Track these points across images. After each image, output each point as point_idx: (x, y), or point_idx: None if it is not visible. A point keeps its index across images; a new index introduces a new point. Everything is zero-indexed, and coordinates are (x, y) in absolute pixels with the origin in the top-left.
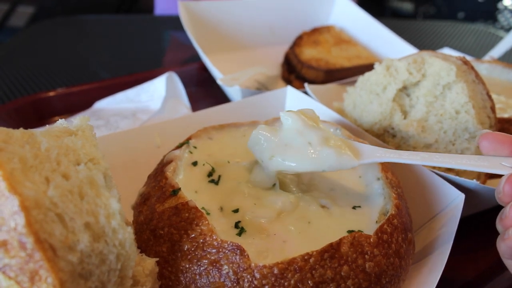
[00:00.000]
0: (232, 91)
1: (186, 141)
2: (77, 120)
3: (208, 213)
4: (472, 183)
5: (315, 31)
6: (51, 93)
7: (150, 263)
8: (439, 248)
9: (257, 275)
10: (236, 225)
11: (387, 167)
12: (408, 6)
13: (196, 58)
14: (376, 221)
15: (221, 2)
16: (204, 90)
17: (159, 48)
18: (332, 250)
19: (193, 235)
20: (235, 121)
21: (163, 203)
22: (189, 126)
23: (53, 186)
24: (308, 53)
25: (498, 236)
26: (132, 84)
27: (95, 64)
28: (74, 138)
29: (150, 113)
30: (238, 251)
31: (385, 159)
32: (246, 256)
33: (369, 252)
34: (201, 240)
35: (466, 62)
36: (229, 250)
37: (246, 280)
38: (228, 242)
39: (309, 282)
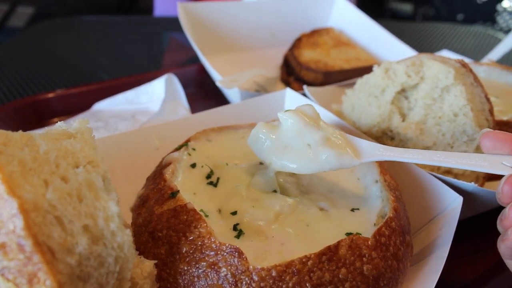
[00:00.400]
0: (231, 93)
1: (185, 143)
2: (76, 122)
3: (206, 215)
4: (470, 185)
5: (314, 33)
6: (51, 94)
7: (148, 265)
8: (437, 250)
9: (255, 278)
10: (235, 228)
11: (385, 170)
12: (407, 8)
13: (195, 59)
14: (374, 224)
15: (220, 3)
16: (203, 92)
17: (158, 49)
18: (330, 253)
19: (192, 238)
20: (234, 123)
21: (162, 205)
22: (188, 128)
23: (52, 188)
24: (307, 55)
25: (497, 238)
26: (131, 85)
27: (94, 65)
28: (73, 141)
29: (149, 115)
30: (236, 253)
31: (386, 158)
32: (245, 259)
33: (367, 255)
34: (200, 243)
35: (464, 65)
36: (227, 253)
37: (244, 282)
38: (227, 245)
39: (307, 284)
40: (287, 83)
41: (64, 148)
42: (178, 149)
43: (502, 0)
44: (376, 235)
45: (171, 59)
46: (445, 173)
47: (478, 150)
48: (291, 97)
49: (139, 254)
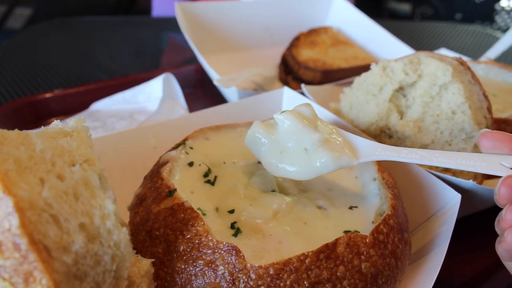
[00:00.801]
0: (229, 92)
1: (183, 142)
2: (72, 121)
3: (204, 214)
4: (469, 183)
5: (312, 32)
6: (48, 94)
7: (145, 264)
8: (435, 248)
9: (253, 276)
10: (232, 226)
11: (383, 168)
12: (405, 7)
13: (193, 59)
14: (372, 222)
15: (218, 3)
16: (201, 91)
17: (156, 49)
18: (328, 251)
19: (189, 236)
20: (232, 122)
21: (159, 204)
22: (186, 127)
23: (48, 187)
24: (305, 54)
25: (495, 236)
26: (129, 85)
27: (92, 65)
28: (69, 139)
29: (147, 114)
30: (233, 251)
31: (384, 158)
32: (242, 257)
33: (365, 253)
34: (197, 241)
35: (462, 63)
36: (224, 251)
37: (241, 280)
38: (224, 243)
39: (305, 282)
40: (285, 82)
41: (60, 146)
42: (175, 147)
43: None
44: (374, 233)
45: (169, 58)
46: (443, 171)
47: (476, 147)
48: (289, 96)
49: (137, 253)
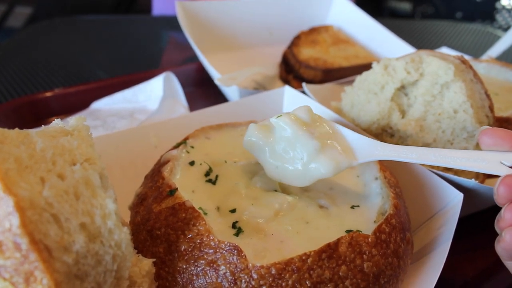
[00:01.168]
0: (230, 91)
1: (184, 141)
2: (73, 120)
3: (205, 213)
4: (471, 182)
5: (313, 30)
6: (49, 93)
7: (147, 264)
8: (437, 247)
9: (255, 276)
10: (234, 225)
11: (385, 167)
12: (406, 6)
13: (194, 58)
14: (375, 221)
15: (218, 1)
16: (202, 90)
17: (157, 48)
18: (330, 250)
19: (190, 236)
20: (233, 121)
21: (160, 203)
22: (187, 126)
23: (48, 186)
24: (306, 52)
25: (497, 235)
26: (130, 84)
27: (92, 64)
28: (70, 138)
29: (147, 113)
30: (235, 251)
31: (384, 157)
32: (244, 257)
33: (367, 252)
34: (198, 241)
35: (464, 61)
36: (226, 251)
37: (243, 280)
38: (225, 243)
39: (307, 282)
40: (286, 81)
41: (60, 145)
42: (176, 147)
43: None
44: (376, 232)
45: (170, 57)
46: (445, 170)
47: (478, 147)
48: (290, 95)
49: (138, 253)
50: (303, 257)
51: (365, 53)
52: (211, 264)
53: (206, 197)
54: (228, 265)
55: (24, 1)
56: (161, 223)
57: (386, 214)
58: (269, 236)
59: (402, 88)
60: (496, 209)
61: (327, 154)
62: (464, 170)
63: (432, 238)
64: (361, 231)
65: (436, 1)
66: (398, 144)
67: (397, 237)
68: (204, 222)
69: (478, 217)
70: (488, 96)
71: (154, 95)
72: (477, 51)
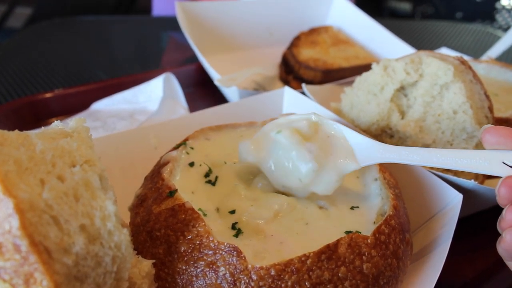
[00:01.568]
0: (230, 91)
1: (183, 142)
2: (73, 122)
3: (205, 214)
4: (470, 183)
5: (313, 31)
6: (49, 94)
7: (146, 265)
8: (437, 248)
9: (254, 277)
10: (233, 226)
11: (385, 168)
12: (406, 6)
13: (194, 59)
14: (374, 222)
15: (218, 2)
16: (202, 91)
17: (156, 49)
18: (329, 251)
19: (190, 237)
20: (232, 122)
21: (160, 204)
22: (187, 127)
23: (48, 188)
24: (306, 53)
25: (496, 236)
26: (130, 85)
27: (92, 65)
28: (69, 140)
29: (147, 114)
30: (235, 252)
31: (385, 160)
32: (243, 258)
33: (366, 253)
34: (198, 242)
35: (463, 62)
36: (225, 252)
37: (243, 281)
38: (225, 244)
39: (306, 283)
40: (286, 82)
41: (60, 147)
42: (176, 148)
43: None
44: (376, 233)
45: (170, 58)
46: (445, 171)
47: (477, 147)
48: (289, 96)
49: (137, 254)
50: (303, 258)
51: (365, 54)
52: (211, 265)
53: (205, 198)
54: (227, 266)
55: (24, 2)
56: (160, 224)
57: (386, 215)
58: (269, 237)
59: (401, 89)
60: (495, 209)
61: (325, 176)
62: (464, 171)
63: (431, 239)
64: (360, 232)
65: (436, 1)
66: (398, 145)
67: (396, 238)
68: (203, 223)
69: (478, 217)
70: (487, 97)
71: (154, 96)
72: (477, 51)
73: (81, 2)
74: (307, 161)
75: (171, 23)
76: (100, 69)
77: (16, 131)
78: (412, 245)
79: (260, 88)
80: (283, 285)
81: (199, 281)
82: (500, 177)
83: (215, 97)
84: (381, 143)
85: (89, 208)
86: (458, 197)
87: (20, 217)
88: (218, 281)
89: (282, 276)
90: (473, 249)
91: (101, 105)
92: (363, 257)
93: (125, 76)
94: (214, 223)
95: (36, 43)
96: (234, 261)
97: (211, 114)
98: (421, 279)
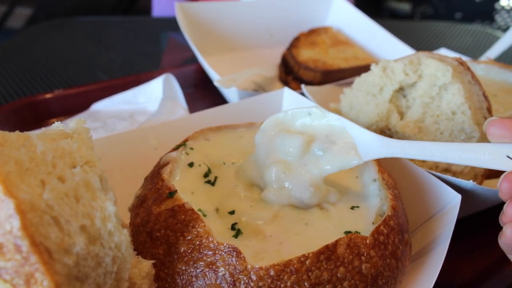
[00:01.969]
0: (229, 92)
1: (183, 143)
2: (73, 122)
3: (204, 215)
4: (469, 183)
5: (312, 32)
6: (49, 95)
7: (146, 266)
8: (436, 249)
9: (254, 277)
10: (233, 227)
11: (384, 168)
12: (405, 7)
13: (194, 59)
14: (373, 223)
15: (218, 3)
16: (201, 92)
17: (156, 49)
18: (328, 252)
19: (190, 237)
20: (232, 123)
21: (160, 205)
22: (186, 128)
23: (49, 189)
24: (305, 54)
25: (495, 236)
26: (130, 85)
27: (92, 65)
28: (70, 141)
29: (147, 115)
30: (234, 253)
31: (388, 155)
32: (243, 258)
33: (365, 254)
34: (198, 242)
35: (462, 63)
36: (225, 252)
37: (242, 282)
38: (225, 244)
39: (306, 284)
40: (285, 82)
41: (61, 148)
42: (176, 148)
43: None
44: (375, 234)
45: (169, 59)
46: (443, 171)
47: None
48: (289, 97)
49: (137, 254)
50: (302, 259)
51: (364, 55)
52: (210, 266)
53: (205, 198)
54: (227, 267)
55: (24, 2)
56: (160, 225)
57: (385, 215)
58: (268, 237)
59: (400, 90)
60: (494, 210)
61: (323, 162)
62: (462, 172)
63: (430, 239)
64: (359, 233)
65: (436, 1)
66: None
67: (395, 238)
68: (203, 224)
69: (476, 218)
70: (486, 97)
71: (154, 97)
72: (476, 52)
73: (81, 2)
74: (297, 137)
75: (171, 23)
76: (100, 70)
77: (17, 132)
78: (411, 246)
79: (259, 88)
80: (282, 285)
81: (199, 282)
82: (499, 174)
83: (214, 97)
84: (383, 137)
85: (90, 208)
86: (457, 197)
87: (21, 218)
88: (218, 282)
89: (281, 277)
90: (471, 250)
91: (101, 106)
92: (362, 257)
93: (124, 77)
94: (213, 223)
95: (36, 43)
96: (234, 261)
97: (210, 115)
98: (420, 280)
